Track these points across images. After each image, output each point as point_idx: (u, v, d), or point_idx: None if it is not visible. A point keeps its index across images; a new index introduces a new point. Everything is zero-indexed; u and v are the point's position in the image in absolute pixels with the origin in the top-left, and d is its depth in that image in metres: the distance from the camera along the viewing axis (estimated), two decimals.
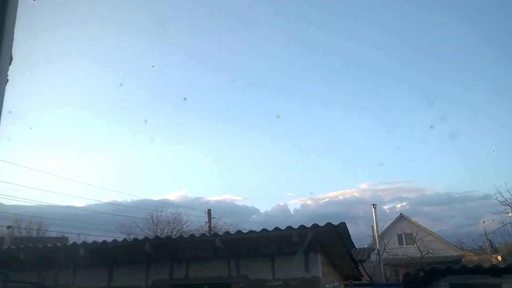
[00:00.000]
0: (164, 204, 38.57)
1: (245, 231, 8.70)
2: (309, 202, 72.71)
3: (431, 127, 56.48)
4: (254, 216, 61.54)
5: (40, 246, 9.38)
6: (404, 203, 63.36)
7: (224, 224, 35.56)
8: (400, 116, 61.96)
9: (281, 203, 70.78)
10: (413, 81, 60.06)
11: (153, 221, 34.53)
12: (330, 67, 58.39)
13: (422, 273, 10.55)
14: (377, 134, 64.94)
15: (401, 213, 41.65)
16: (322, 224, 7.60)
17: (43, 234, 33.10)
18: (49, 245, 9.32)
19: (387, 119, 61.57)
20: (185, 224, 35.10)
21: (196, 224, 33.98)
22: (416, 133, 61.14)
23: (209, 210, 29.62)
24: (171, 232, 33.17)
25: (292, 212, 64.81)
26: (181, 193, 65.08)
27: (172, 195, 67.97)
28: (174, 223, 35.00)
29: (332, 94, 64.97)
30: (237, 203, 71.46)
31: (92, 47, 45.25)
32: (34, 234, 32.90)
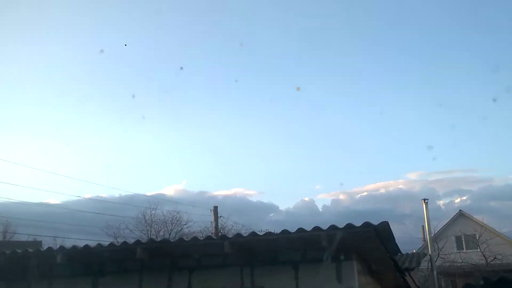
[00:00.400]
0: (159, 200, 38.98)
1: (260, 233, 8.83)
2: (341, 196, 75.37)
3: (494, 100, 55.69)
4: (272, 214, 64.12)
5: (7, 253, 9.50)
6: (464, 197, 63.43)
7: (235, 224, 36.57)
8: (455, 86, 63.62)
9: (306, 199, 74.96)
10: (471, 41, 58.51)
11: (146, 221, 36.10)
12: (365, 24, 60.37)
13: (486, 284, 10.43)
14: (426, 110, 63.52)
15: (460, 210, 42.17)
16: (358, 224, 7.65)
17: (11, 237, 33.63)
18: (19, 251, 9.43)
19: (438, 91, 60.27)
20: (185, 224, 36.69)
21: (199, 224, 35.05)
22: (475, 107, 59.69)
23: (215, 208, 30.20)
24: (169, 235, 34.20)
25: (320, 210, 68.85)
26: (180, 187, 68.70)
27: (169, 189, 72.03)
28: (172, 224, 36.51)
29: (368, 58, 66.11)
30: (250, 198, 75.25)
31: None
32: None
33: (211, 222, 30.90)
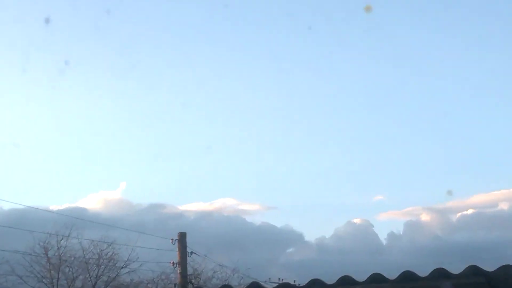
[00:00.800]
0: (76, 219, 30.64)
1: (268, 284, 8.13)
2: (424, 216, 62.20)
3: None
4: (291, 249, 55.99)
5: None
6: None
7: (219, 268, 30.90)
8: None
9: (357, 220, 62.21)
10: None
11: (49, 258, 29.90)
12: None
13: None
14: None
15: None
16: (457, 267, 7.01)
17: None
18: None
19: None
20: (124, 266, 31.13)
21: (151, 266, 29.62)
22: None
23: (182, 236, 24.65)
24: (93, 284, 30.38)
25: (384, 240, 56.77)
26: (114, 195, 59.65)
27: (95, 200, 59.94)
28: (100, 265, 30.83)
29: None
30: (249, 218, 65.66)
31: None
32: None
33: (172, 263, 24.46)
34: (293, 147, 73.47)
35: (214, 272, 31.14)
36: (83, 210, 53.67)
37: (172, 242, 24.64)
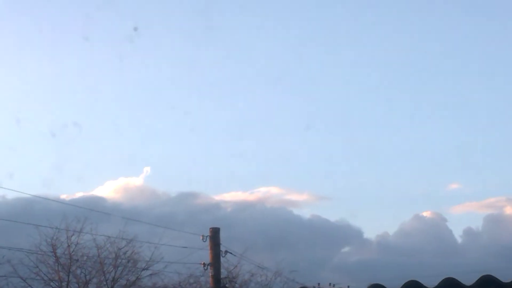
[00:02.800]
0: (90, 210, 30.95)
1: None
2: (509, 210, 65.06)
3: None
4: (347, 248, 56.50)
5: None
6: None
7: (259, 270, 31.01)
8: None
9: (427, 213, 60.94)
10: None
11: (58, 257, 29.73)
12: None
13: None
14: None
15: None
16: None
17: None
18: None
19: None
20: (146, 268, 31.13)
21: (179, 268, 29.90)
22: None
23: (214, 231, 25.21)
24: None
25: (459, 238, 56.40)
26: (137, 182, 61.84)
27: (113, 187, 62.03)
28: (118, 266, 30.69)
29: None
30: (297, 211, 74.03)
31: None
32: None
33: (203, 264, 25.01)
34: (348, 127, 72.73)
35: (252, 275, 30.93)
36: (100, 200, 54.93)
37: (202, 239, 24.79)
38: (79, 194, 58.58)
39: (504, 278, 14.79)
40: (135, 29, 65.67)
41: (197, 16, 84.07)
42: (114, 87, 78.31)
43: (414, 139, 76.08)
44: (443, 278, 15.24)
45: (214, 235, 24.98)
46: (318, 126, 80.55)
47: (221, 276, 25.35)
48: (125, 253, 30.17)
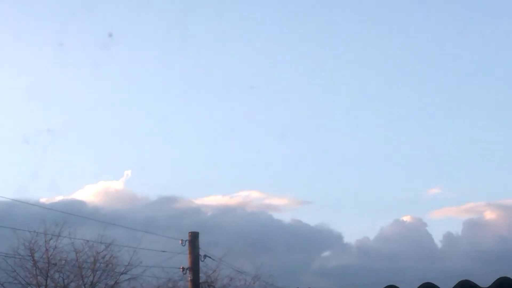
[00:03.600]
0: (69, 214, 30.92)
1: None
2: (489, 214, 63.94)
3: None
4: (327, 253, 57.81)
5: None
6: None
7: (239, 275, 31.56)
8: None
9: (406, 218, 63.08)
10: None
11: (36, 262, 30.06)
12: None
13: None
14: None
15: None
16: None
17: None
18: None
19: None
20: (125, 272, 31.51)
21: (157, 271, 30.17)
22: None
23: (193, 236, 25.50)
24: None
25: (439, 243, 58.38)
26: (117, 186, 62.70)
27: (93, 191, 63.24)
28: (96, 270, 31.10)
29: None
30: (277, 215, 75.92)
31: None
32: None
33: (182, 268, 25.00)
34: (329, 132, 73.59)
35: (230, 280, 31.12)
36: (79, 203, 54.54)
37: (182, 243, 25.02)
38: (58, 198, 58.85)
39: (483, 283, 15.62)
40: (110, 35, 66.01)
41: (172, 24, 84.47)
42: (90, 91, 78.65)
43: (394, 144, 77.05)
44: (422, 282, 16.15)
45: (193, 239, 25.14)
46: (298, 130, 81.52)
47: (200, 281, 25.53)
48: (103, 257, 30.29)
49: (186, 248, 25.27)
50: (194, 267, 24.78)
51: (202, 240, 26.30)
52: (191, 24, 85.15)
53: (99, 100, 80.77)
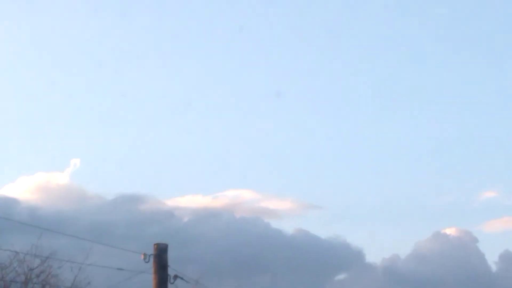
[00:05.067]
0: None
1: None
2: None
3: None
4: (343, 275, 56.77)
5: None
6: None
7: None
8: None
9: (450, 231, 61.78)
10: None
11: None
12: None
13: None
14: None
15: None
16: None
17: None
18: None
19: None
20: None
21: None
22: None
23: (159, 249, 26.10)
24: None
25: (494, 263, 56.54)
26: (61, 179, 64.65)
27: (29, 185, 64.48)
28: None
29: None
30: (276, 222, 75.90)
31: None
32: None
33: None
34: (348, 116, 72.91)
35: None
36: (9, 202, 53.49)
37: (144, 258, 24.93)
38: None
39: None
40: None
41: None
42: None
43: (433, 135, 75.72)
44: None
45: (160, 253, 25.01)
46: (308, 114, 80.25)
47: None
48: (38, 276, 29.95)
49: (151, 265, 25.05)
50: None
51: (173, 254, 26.45)
52: None
53: (42, 67, 79.82)
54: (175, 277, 25.13)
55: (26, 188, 64.12)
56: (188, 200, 68.89)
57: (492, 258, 78.20)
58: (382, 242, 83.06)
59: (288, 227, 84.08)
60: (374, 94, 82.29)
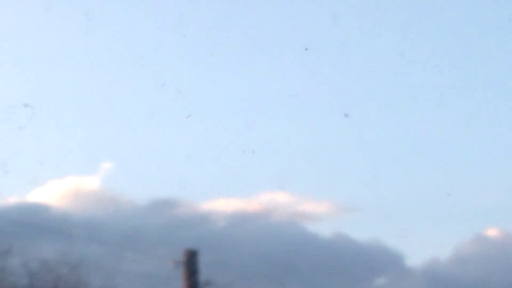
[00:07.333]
0: (25, 221, 32.83)
1: None
2: None
3: None
4: (382, 279, 60.48)
5: None
6: None
7: None
8: None
9: (493, 232, 62.33)
10: None
11: None
12: None
13: None
14: None
15: None
16: None
17: None
18: None
19: None
20: None
21: None
22: None
23: (189, 255, 26.41)
24: None
25: None
26: (91, 184, 62.97)
27: (58, 190, 62.88)
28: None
29: None
30: (313, 225, 75.52)
31: None
32: None
33: None
34: (392, 107, 72.15)
35: None
36: (38, 208, 53.46)
37: (174, 265, 25.58)
38: (11, 200, 57.90)
39: None
40: None
41: None
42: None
43: (476, 128, 74.56)
44: None
45: (190, 259, 25.02)
46: (356, 107, 78.93)
47: None
48: (67, 282, 29.91)
49: (180, 271, 25.07)
50: None
51: (206, 259, 26.56)
52: None
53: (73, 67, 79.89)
54: (207, 283, 25.25)
55: (56, 192, 64.00)
56: (224, 203, 68.36)
57: None
58: (421, 245, 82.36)
59: (325, 230, 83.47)
60: (421, 91, 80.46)
